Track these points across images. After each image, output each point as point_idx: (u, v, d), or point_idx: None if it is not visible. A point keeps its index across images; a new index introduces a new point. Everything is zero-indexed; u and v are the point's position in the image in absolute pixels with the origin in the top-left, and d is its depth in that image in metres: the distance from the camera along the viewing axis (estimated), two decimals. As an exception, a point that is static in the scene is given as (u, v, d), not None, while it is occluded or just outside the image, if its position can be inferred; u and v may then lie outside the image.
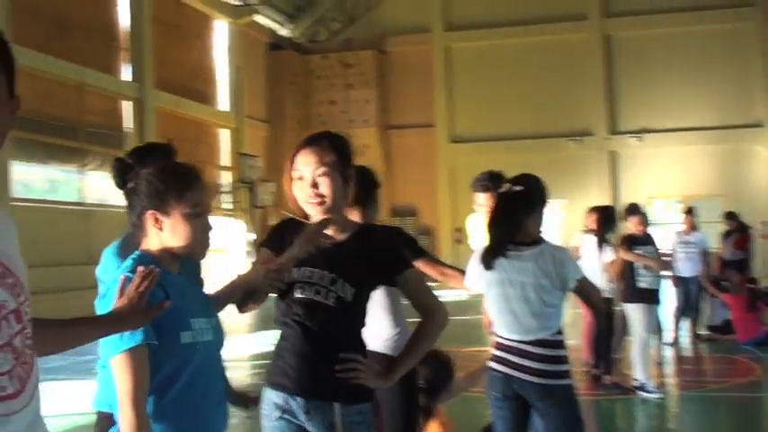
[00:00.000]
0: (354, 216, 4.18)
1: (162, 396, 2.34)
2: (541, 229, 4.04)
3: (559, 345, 3.86)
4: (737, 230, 14.10)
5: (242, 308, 2.88)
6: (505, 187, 3.96)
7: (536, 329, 3.82)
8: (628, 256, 8.18)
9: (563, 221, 24.73)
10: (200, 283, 2.67)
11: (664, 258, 8.99)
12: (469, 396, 4.90)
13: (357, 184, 4.17)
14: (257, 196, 25.46)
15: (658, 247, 8.60)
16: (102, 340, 2.30)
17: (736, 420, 7.79)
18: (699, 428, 7.49)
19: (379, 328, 3.97)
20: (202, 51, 25.37)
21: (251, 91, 26.91)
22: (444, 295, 4.27)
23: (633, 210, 8.59)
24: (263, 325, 13.31)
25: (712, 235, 14.19)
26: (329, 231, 2.89)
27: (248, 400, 3.02)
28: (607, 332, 8.38)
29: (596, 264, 8.26)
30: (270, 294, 2.87)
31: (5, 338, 1.61)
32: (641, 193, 24.48)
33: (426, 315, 2.99)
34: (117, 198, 2.49)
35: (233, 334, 12.33)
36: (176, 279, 2.45)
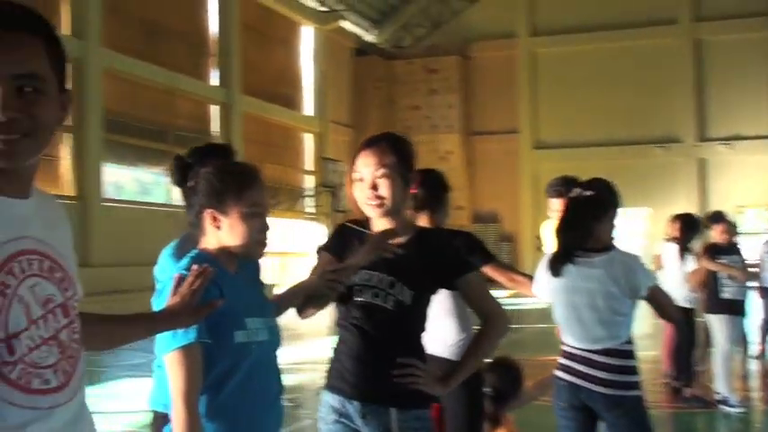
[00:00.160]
0: (423, 220, 4.17)
1: (216, 394, 2.35)
2: (613, 235, 3.94)
3: (629, 355, 3.75)
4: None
5: (302, 312, 2.87)
6: (575, 192, 3.86)
7: (604, 338, 3.72)
8: (710, 266, 7.94)
9: (648, 230, 24.19)
10: (259, 283, 2.67)
11: (750, 269, 8.68)
12: (540, 405, 4.81)
13: (427, 187, 4.18)
14: (339, 200, 25.63)
15: (745, 256, 8.31)
16: (157, 338, 2.33)
17: (824, 439, 7.47)
18: (784, 446, 7.21)
19: (444, 333, 3.94)
20: (288, 57, 25.72)
21: (335, 96, 27.15)
22: (520, 303, 4.21)
23: (717, 218, 8.33)
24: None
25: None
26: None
27: None
28: (689, 343, 8.15)
29: (678, 273, 8.05)
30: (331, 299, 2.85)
31: (51, 332, 1.62)
32: (731, 201, 23.81)
33: (486, 320, 2.93)
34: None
35: (313, 337, 12.44)
36: (233, 278, 2.45)
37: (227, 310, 2.32)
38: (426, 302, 2.90)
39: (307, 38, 26.55)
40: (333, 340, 2.97)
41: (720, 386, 7.80)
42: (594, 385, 3.69)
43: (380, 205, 2.84)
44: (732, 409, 7.69)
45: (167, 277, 2.31)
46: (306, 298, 2.81)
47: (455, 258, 2.95)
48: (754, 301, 9.73)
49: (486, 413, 4.38)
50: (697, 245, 8.41)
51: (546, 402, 4.04)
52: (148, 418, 3.05)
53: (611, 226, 3.85)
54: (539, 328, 11.76)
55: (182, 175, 2.76)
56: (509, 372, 4.65)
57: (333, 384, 2.87)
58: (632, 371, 3.75)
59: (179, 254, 2.66)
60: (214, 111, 21.85)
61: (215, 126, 21.84)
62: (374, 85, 28.73)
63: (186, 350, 2.28)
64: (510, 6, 28.62)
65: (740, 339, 8.81)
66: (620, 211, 3.91)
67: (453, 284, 2.91)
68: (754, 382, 9.64)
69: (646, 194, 25.93)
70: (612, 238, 3.91)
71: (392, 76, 29.39)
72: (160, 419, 2.54)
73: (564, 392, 3.79)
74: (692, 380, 8.20)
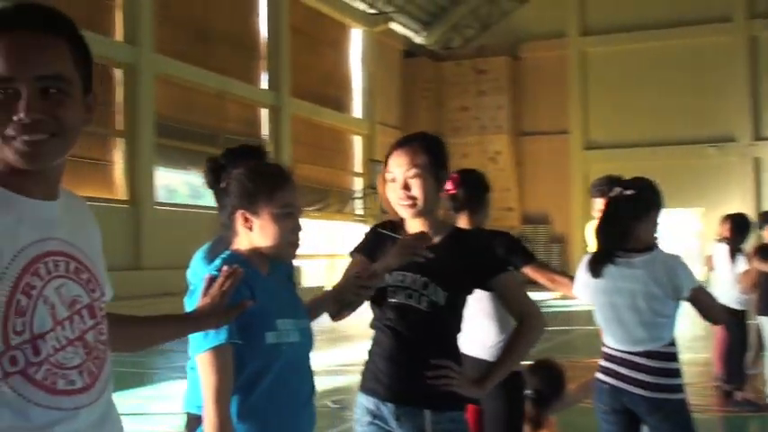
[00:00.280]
0: (463, 220, 4.16)
1: (247, 395, 2.35)
2: (656, 235, 3.87)
3: (671, 357, 3.67)
4: None
5: (335, 316, 2.86)
6: (616, 191, 3.80)
7: (646, 340, 3.65)
8: (762, 267, 7.76)
9: (701, 230, 23.79)
10: (292, 284, 2.67)
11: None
12: (584, 407, 4.76)
13: (466, 187, 4.16)
14: (389, 202, 25.61)
15: (799, 258, 8.10)
16: (189, 340, 2.34)
17: None
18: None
19: (483, 335, 3.91)
20: (337, 59, 25.82)
21: (384, 98, 27.19)
22: (570, 304, 4.15)
23: (769, 218, 8.16)
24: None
25: None
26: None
27: None
28: (740, 346, 7.98)
29: (729, 274, 7.89)
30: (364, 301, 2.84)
31: (77, 333, 1.63)
32: (788, 201, 23.31)
33: (522, 321, 2.90)
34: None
35: (360, 339, 12.45)
36: (265, 279, 2.45)
37: (259, 311, 2.33)
38: (461, 303, 2.88)
39: (356, 40, 26.63)
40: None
41: (773, 390, 7.64)
42: (636, 388, 3.63)
43: (412, 205, 2.82)
44: (785, 414, 7.52)
45: (199, 279, 2.33)
46: (337, 302, 2.81)
47: (489, 258, 2.92)
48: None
49: (528, 415, 4.34)
50: (749, 245, 8.24)
51: (590, 405, 3.98)
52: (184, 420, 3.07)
53: (654, 226, 3.78)
54: (588, 330, 11.62)
55: (214, 177, 2.78)
56: (551, 373, 4.60)
57: (367, 386, 2.87)
58: (675, 373, 3.68)
59: (211, 256, 2.68)
60: (264, 114, 22.03)
61: (265, 129, 22.02)
62: (423, 87, 28.72)
63: (217, 351, 2.28)
64: (560, 6, 28.38)
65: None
66: (662, 211, 3.83)
67: (488, 285, 2.88)
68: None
69: (699, 195, 25.51)
70: (655, 239, 3.84)
71: (441, 77, 29.33)
72: (194, 421, 2.55)
73: (605, 395, 3.73)
74: (743, 383, 8.03)
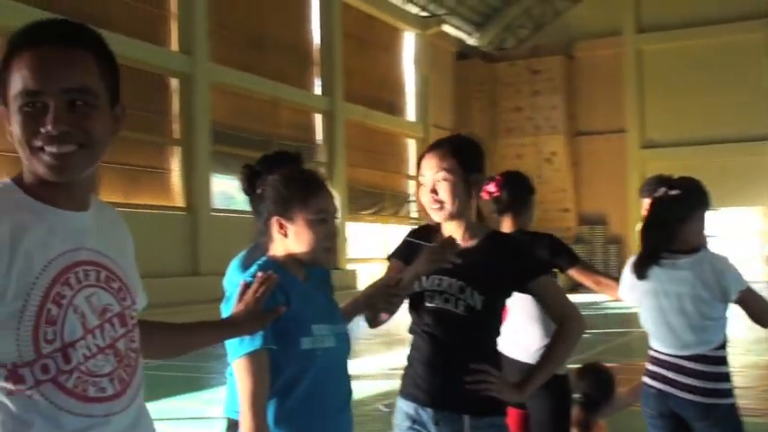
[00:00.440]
0: (507, 223, 4.13)
1: (284, 400, 2.37)
2: (705, 236, 3.79)
3: (721, 361, 3.58)
4: None
5: (371, 322, 2.87)
6: (660, 191, 3.73)
7: (694, 344, 3.57)
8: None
9: (762, 229, 23.26)
10: (329, 289, 2.68)
11: None
12: (635, 410, 4.68)
13: (510, 189, 4.14)
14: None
15: None
16: (226, 345, 2.37)
17: None
18: None
19: (527, 339, 3.88)
20: (390, 63, 25.88)
21: (437, 100, 27.16)
22: (628, 307, 4.08)
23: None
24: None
25: None
26: (457, 239, 2.84)
27: None
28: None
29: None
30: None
31: (108, 341, 1.66)
32: None
33: (562, 324, 2.86)
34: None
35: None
36: (300, 285, 2.46)
37: (294, 317, 2.35)
38: (499, 307, 2.86)
39: (408, 43, 26.65)
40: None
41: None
42: (684, 393, 3.55)
43: (440, 209, 2.82)
44: None
45: (234, 286, 2.35)
46: (370, 308, 2.81)
47: (527, 261, 2.88)
48: None
49: (577, 420, 4.30)
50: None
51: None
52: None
53: (701, 227, 3.70)
54: (645, 333, 11.42)
55: (250, 184, 2.81)
56: (600, 377, 4.55)
57: (406, 391, 2.86)
58: (724, 378, 3.59)
59: (247, 263, 2.70)
60: (318, 119, 22.17)
61: (319, 134, 22.16)
62: (476, 88, 28.61)
63: (253, 356, 2.30)
64: (614, 3, 28.04)
65: None
66: (710, 211, 3.76)
67: (526, 288, 2.84)
68: None
69: (760, 193, 24.96)
70: (704, 240, 3.77)
71: (494, 78, 29.19)
72: (234, 426, 2.58)
73: (652, 400, 3.66)
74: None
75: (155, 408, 8.65)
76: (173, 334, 2.12)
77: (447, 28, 27.85)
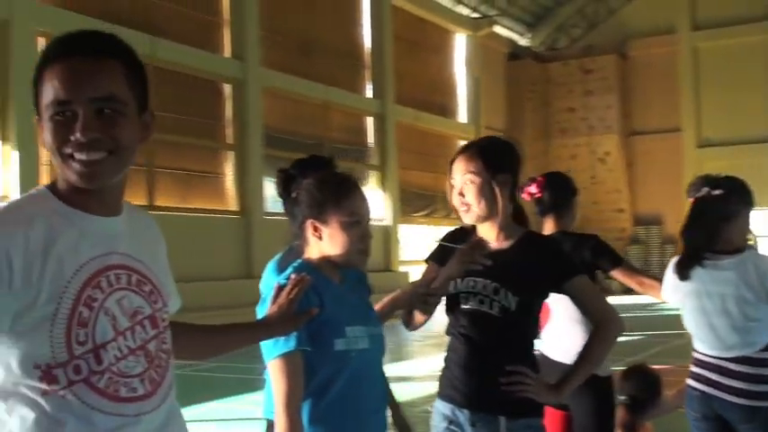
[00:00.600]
0: (549, 224, 4.12)
1: (318, 401, 2.39)
2: (749, 236, 3.73)
3: (765, 363, 3.48)
4: None
5: (407, 325, 2.89)
6: (703, 191, 3.68)
7: (738, 346, 3.51)
8: None
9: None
10: (366, 291, 2.70)
11: None
12: (682, 413, 4.63)
13: (552, 190, 4.12)
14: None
15: None
16: (261, 347, 2.41)
17: None
18: None
19: (570, 341, 3.85)
20: (441, 65, 25.86)
21: (489, 102, 27.06)
22: (672, 309, 4.03)
23: None
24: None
25: None
26: (491, 240, 2.84)
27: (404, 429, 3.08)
28: None
29: None
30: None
31: (139, 342, 1.71)
32: None
33: (598, 325, 2.85)
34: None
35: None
36: (335, 287, 2.49)
37: (328, 319, 2.37)
38: (534, 308, 2.85)
39: (459, 45, 26.60)
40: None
41: None
42: (728, 395, 3.49)
43: (467, 211, 2.83)
44: None
45: (269, 289, 2.39)
46: (406, 311, 2.84)
47: (560, 262, 2.87)
48: None
49: (622, 422, 4.26)
50: None
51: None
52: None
53: (744, 227, 3.64)
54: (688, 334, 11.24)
55: (285, 188, 2.84)
56: (646, 379, 4.49)
57: (443, 392, 2.88)
58: None
59: (283, 266, 2.74)
60: (369, 122, 22.25)
61: (370, 137, 22.23)
62: (528, 89, 28.44)
63: (287, 358, 2.33)
64: (669, 1, 27.65)
65: None
66: (753, 211, 3.70)
67: (562, 288, 2.84)
68: None
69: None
70: (747, 240, 3.71)
71: (547, 78, 28.98)
72: (272, 428, 2.62)
73: (696, 402, 3.61)
74: None
75: (206, 409, 8.79)
76: (208, 335, 2.16)
77: (498, 29, 27.75)
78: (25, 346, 1.59)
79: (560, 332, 3.89)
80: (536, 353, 3.21)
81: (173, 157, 16.33)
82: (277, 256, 3.01)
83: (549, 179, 4.19)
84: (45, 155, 12.42)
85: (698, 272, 3.60)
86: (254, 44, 17.95)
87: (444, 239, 3.04)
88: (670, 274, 3.73)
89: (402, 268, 21.88)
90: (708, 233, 3.57)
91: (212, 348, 2.19)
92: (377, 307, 2.80)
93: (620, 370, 4.52)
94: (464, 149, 2.89)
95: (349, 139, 21.43)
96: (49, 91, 1.64)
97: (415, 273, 21.87)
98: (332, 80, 20.39)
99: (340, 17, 21.62)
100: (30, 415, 1.60)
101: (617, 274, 4.04)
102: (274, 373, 2.36)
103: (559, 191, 4.18)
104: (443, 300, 2.84)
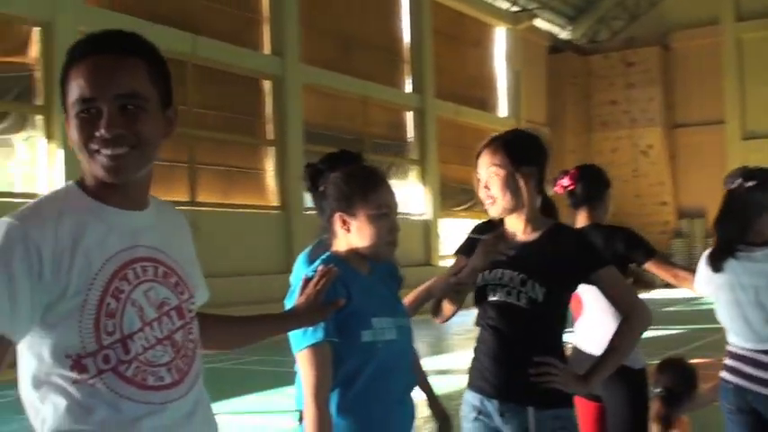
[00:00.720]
0: (582, 216, 4.11)
1: (346, 391, 2.42)
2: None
3: None
4: None
5: (436, 316, 2.92)
6: (736, 183, 3.66)
7: None
8: None
9: None
10: (397, 283, 2.72)
11: None
12: (719, 406, 4.59)
13: (585, 183, 4.11)
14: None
15: None
16: (290, 338, 2.44)
17: None
18: None
19: (602, 333, 3.82)
20: (481, 59, 25.76)
21: (530, 95, 26.90)
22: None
23: None
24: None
25: None
26: (518, 233, 2.86)
27: (441, 416, 3.12)
28: None
29: None
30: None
31: (166, 332, 1.76)
32: None
33: (627, 316, 2.85)
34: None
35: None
36: (362, 279, 2.51)
37: (355, 310, 2.41)
38: (563, 300, 2.86)
39: (499, 39, 26.48)
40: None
41: None
42: (762, 388, 3.46)
43: (493, 203, 2.85)
44: None
45: (298, 280, 2.42)
46: (435, 302, 2.86)
47: (588, 253, 2.87)
48: None
49: (658, 414, 4.23)
50: None
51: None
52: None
53: None
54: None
55: (313, 182, 2.88)
56: (683, 372, 4.46)
57: (473, 383, 2.90)
58: None
59: (312, 258, 2.78)
60: (409, 117, 22.25)
61: (410, 132, 22.23)
62: (569, 82, 28.23)
63: (315, 348, 2.37)
64: (712, -8, 27.29)
65: None
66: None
67: (590, 280, 2.84)
68: None
69: None
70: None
71: (588, 71, 28.75)
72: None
73: (730, 395, 3.58)
74: None
75: (245, 401, 8.87)
76: (236, 326, 2.21)
77: (538, 22, 27.57)
78: (56, 337, 1.65)
79: (593, 324, 3.88)
80: (569, 345, 3.21)
81: (214, 153, 16.49)
82: (307, 249, 3.05)
83: (581, 171, 4.18)
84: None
85: (731, 264, 3.57)
86: (293, 41, 18.04)
87: (473, 232, 3.06)
88: (703, 266, 3.70)
89: (442, 262, 21.87)
90: (740, 225, 3.55)
91: (240, 338, 2.24)
92: (411, 296, 2.82)
93: (657, 363, 4.50)
94: (489, 143, 2.91)
95: (389, 134, 21.46)
96: (75, 89, 1.69)
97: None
98: (371, 75, 20.43)
99: (379, 12, 21.64)
100: (61, 403, 1.66)
101: (651, 266, 4.02)
102: (303, 363, 2.40)
103: (592, 183, 4.17)
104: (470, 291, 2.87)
